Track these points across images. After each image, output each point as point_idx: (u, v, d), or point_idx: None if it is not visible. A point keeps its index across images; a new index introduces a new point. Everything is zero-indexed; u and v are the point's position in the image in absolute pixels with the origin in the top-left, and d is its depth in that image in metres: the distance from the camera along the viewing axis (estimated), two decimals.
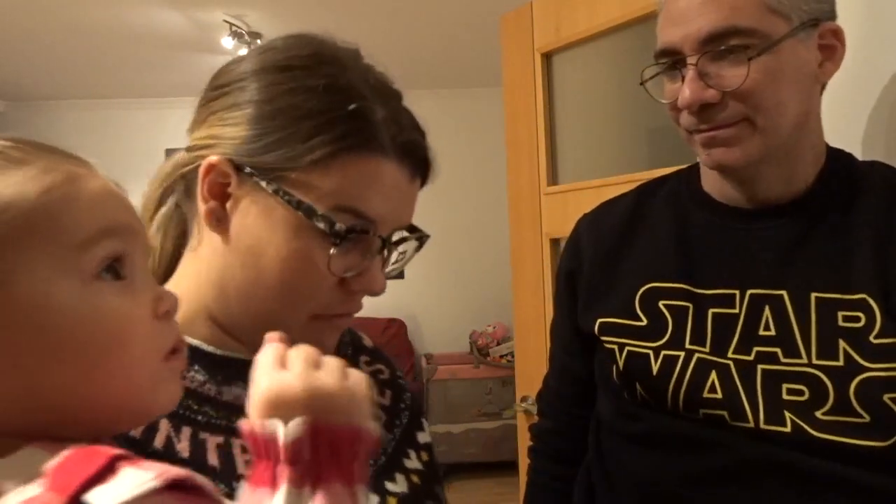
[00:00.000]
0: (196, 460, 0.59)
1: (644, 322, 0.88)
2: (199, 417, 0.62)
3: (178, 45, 3.71)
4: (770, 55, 0.77)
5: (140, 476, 0.36)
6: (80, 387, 0.41)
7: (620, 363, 0.89)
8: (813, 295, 0.79)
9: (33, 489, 0.36)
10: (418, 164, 0.65)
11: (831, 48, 0.82)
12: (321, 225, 0.59)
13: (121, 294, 0.43)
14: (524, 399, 1.88)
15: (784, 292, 0.81)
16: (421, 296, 4.98)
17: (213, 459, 0.60)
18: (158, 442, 0.59)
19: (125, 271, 0.44)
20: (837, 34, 0.82)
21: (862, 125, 1.11)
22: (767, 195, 0.85)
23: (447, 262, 4.89)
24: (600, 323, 0.92)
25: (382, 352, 0.83)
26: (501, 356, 4.52)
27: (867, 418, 0.74)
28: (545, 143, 1.89)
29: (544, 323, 1.88)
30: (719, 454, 0.81)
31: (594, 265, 0.97)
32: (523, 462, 1.47)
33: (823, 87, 0.86)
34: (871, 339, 0.75)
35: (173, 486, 0.36)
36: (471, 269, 4.93)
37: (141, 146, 4.56)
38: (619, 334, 0.90)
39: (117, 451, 0.37)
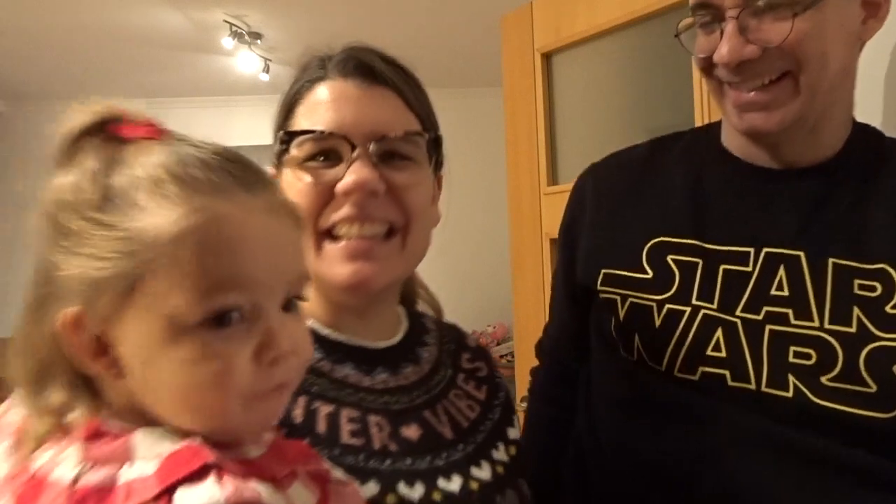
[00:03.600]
0: (307, 426, 0.65)
1: (650, 275, 0.86)
2: (314, 389, 0.67)
3: (178, 45, 3.70)
4: (815, 10, 0.74)
5: (214, 491, 0.42)
6: (181, 408, 0.47)
7: (621, 315, 0.87)
8: (830, 260, 0.78)
9: (150, 467, 0.43)
10: (361, 70, 0.70)
11: (875, 4, 0.80)
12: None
13: (221, 342, 0.46)
14: (524, 399, 1.88)
15: (801, 253, 0.79)
16: None
17: (321, 427, 0.65)
18: None
19: (235, 319, 0.47)
20: None
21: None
22: (793, 158, 0.83)
23: (447, 262, 4.88)
24: (604, 274, 0.90)
25: (486, 352, 0.88)
26: (501, 356, 4.52)
27: (873, 388, 0.72)
28: (545, 143, 1.89)
29: (544, 323, 1.88)
30: (712, 427, 0.79)
31: (599, 215, 0.95)
32: None
33: (862, 45, 0.83)
34: (888, 308, 0.74)
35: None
36: (471, 269, 4.92)
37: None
38: (623, 286, 0.88)
39: (213, 459, 0.44)
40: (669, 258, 0.86)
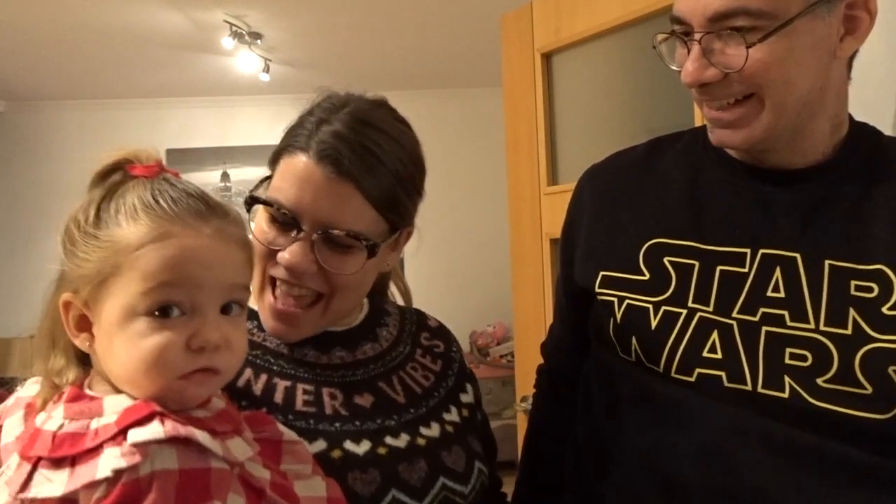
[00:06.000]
0: (265, 397, 0.79)
1: (646, 277, 0.86)
2: (274, 367, 0.82)
3: (178, 45, 3.70)
4: (779, 36, 0.74)
5: (157, 428, 0.56)
6: (128, 377, 0.61)
7: (618, 316, 0.87)
8: (827, 262, 0.78)
9: (112, 418, 0.58)
10: (332, 161, 0.77)
11: (857, 20, 0.78)
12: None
13: (160, 328, 0.60)
14: (524, 399, 1.88)
15: (798, 255, 0.79)
16: (421, 296, 4.96)
17: (278, 398, 0.79)
18: (240, 382, 0.79)
19: (173, 313, 0.61)
20: (868, 4, 0.78)
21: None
22: (780, 164, 0.84)
23: (447, 262, 4.89)
24: (602, 276, 0.90)
25: (445, 332, 1.01)
26: (501, 356, 4.52)
27: (869, 389, 0.73)
28: (545, 143, 1.89)
29: (544, 323, 1.88)
30: (709, 427, 0.79)
31: (597, 217, 0.95)
32: None
33: (852, 57, 0.82)
34: (884, 310, 0.74)
35: (178, 440, 0.56)
36: (471, 269, 4.92)
37: (141, 146, 4.55)
38: (620, 288, 0.88)
39: (159, 409, 0.58)
40: (666, 260, 0.86)
